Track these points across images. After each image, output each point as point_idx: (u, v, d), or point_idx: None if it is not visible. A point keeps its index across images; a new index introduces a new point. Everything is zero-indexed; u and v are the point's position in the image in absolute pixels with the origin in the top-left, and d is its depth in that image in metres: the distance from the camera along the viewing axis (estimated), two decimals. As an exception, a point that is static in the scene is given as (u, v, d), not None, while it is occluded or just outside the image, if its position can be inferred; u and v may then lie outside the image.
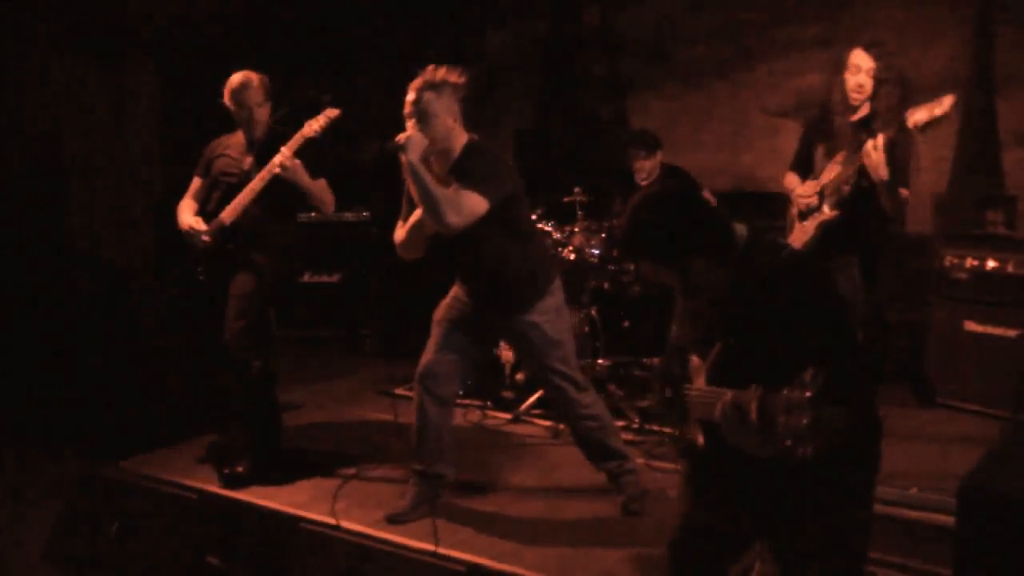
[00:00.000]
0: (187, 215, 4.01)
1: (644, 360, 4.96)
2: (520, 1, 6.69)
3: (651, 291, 4.87)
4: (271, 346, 4.08)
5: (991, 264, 4.56)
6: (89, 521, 3.96)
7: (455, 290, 3.62)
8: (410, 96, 3.26)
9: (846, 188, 3.80)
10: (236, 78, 3.90)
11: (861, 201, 3.79)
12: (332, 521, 3.46)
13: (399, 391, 5.29)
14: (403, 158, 3.15)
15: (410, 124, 3.24)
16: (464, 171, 3.26)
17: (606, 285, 4.93)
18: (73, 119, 5.72)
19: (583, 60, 6.56)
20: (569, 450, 4.11)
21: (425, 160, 3.29)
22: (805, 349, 1.99)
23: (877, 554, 3.06)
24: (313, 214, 6.17)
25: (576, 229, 5.03)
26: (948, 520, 3.01)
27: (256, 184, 3.84)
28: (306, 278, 6.25)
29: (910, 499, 3.41)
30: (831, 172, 3.88)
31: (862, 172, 3.71)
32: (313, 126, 3.83)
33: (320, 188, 3.92)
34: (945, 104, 3.52)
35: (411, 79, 3.30)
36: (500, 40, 6.77)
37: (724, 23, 5.95)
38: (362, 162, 6.85)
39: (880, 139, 3.61)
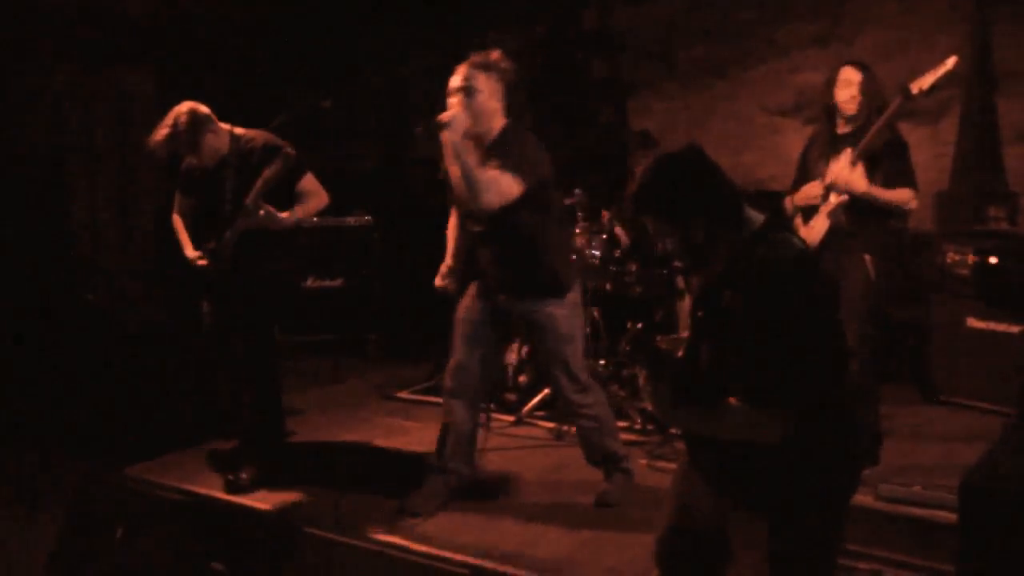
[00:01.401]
0: (188, 248, 3.94)
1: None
2: (520, 3, 6.70)
3: (653, 292, 4.87)
4: (275, 353, 4.07)
5: (992, 260, 4.56)
6: (94, 528, 3.97)
7: (473, 288, 3.65)
8: (460, 73, 3.35)
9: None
10: (159, 129, 3.76)
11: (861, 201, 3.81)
12: (336, 526, 3.47)
13: (403, 395, 5.30)
14: (445, 136, 3.22)
15: (455, 101, 3.31)
16: (502, 152, 3.32)
17: (608, 286, 4.94)
18: (74, 123, 5.74)
19: (583, 61, 6.56)
20: (573, 451, 4.11)
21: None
22: (776, 357, 1.99)
23: (881, 551, 3.06)
24: (315, 219, 6.23)
25: (577, 231, 5.03)
26: (951, 517, 3.01)
27: (228, 238, 3.73)
28: (310, 283, 6.26)
29: (913, 496, 3.40)
30: (836, 168, 3.90)
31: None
32: (273, 171, 3.66)
33: (306, 199, 3.81)
34: (949, 64, 3.60)
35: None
36: (500, 42, 6.76)
37: (723, 23, 5.95)
38: (365, 167, 6.87)
39: (844, 158, 3.72)
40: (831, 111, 3.93)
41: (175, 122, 3.71)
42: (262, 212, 3.66)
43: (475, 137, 3.37)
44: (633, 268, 4.94)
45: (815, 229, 3.99)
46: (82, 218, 5.81)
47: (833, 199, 3.88)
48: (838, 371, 2.08)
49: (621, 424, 4.49)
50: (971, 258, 4.61)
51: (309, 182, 3.83)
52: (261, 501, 3.73)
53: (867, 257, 3.85)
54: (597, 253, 4.96)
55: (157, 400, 4.77)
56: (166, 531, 3.81)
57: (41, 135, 5.60)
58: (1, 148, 5.41)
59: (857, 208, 3.81)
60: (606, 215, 5.13)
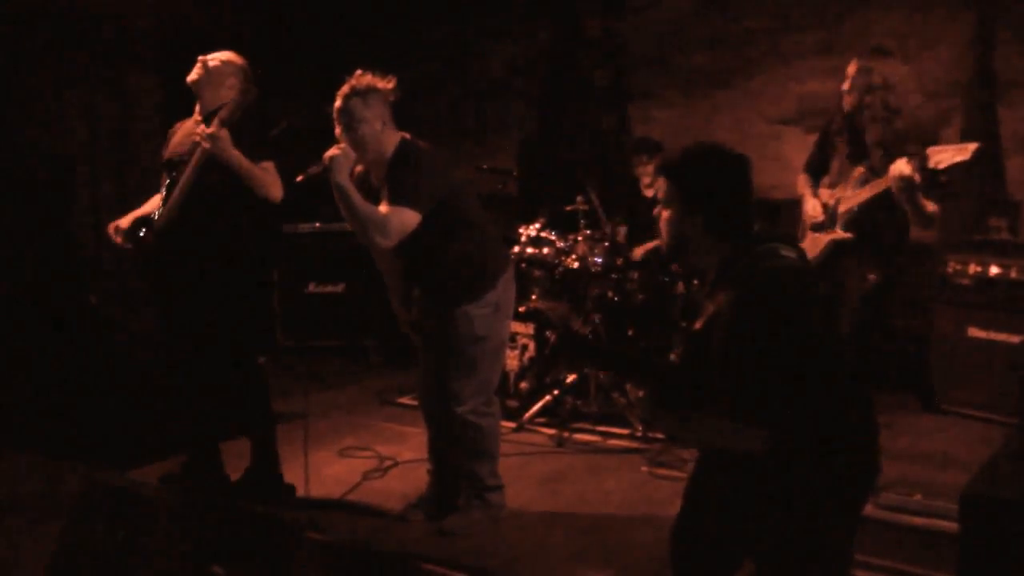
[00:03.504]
0: (127, 217, 3.69)
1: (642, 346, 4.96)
2: (522, 12, 6.72)
3: (655, 299, 4.88)
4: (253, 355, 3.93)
5: (994, 270, 4.57)
6: (95, 531, 3.96)
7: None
8: (337, 103, 3.24)
9: (856, 209, 3.89)
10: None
11: (881, 213, 3.82)
12: (337, 530, 3.47)
13: (403, 401, 5.30)
14: (331, 178, 3.10)
15: (338, 131, 3.23)
16: (394, 182, 3.21)
17: (610, 293, 4.94)
18: (79, 126, 5.75)
19: (585, 70, 6.58)
20: (574, 459, 4.12)
21: (365, 171, 3.31)
22: (758, 369, 1.99)
23: (880, 560, 3.06)
24: (317, 224, 6.25)
25: (579, 238, 5.04)
26: (952, 526, 3.01)
27: (188, 172, 3.48)
28: (310, 288, 6.27)
29: (913, 505, 3.41)
30: (846, 189, 3.93)
31: (882, 196, 3.78)
32: (246, 97, 3.52)
33: (261, 171, 3.51)
34: (968, 150, 3.59)
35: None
36: (503, 50, 6.79)
37: (725, 31, 5.96)
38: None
39: (911, 166, 3.65)
40: (843, 109, 4.00)
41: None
42: (223, 133, 3.41)
43: (371, 164, 3.30)
44: (635, 276, 4.95)
45: (817, 244, 4.02)
46: (85, 220, 5.82)
47: (839, 232, 3.98)
48: (824, 386, 2.03)
49: (621, 431, 4.52)
50: (972, 267, 4.62)
51: (270, 166, 3.58)
52: (262, 504, 3.73)
53: (871, 276, 3.88)
54: (599, 260, 4.97)
55: (159, 403, 4.77)
56: (167, 534, 3.80)
57: (45, 137, 5.61)
58: (5, 150, 5.42)
59: (860, 222, 3.84)
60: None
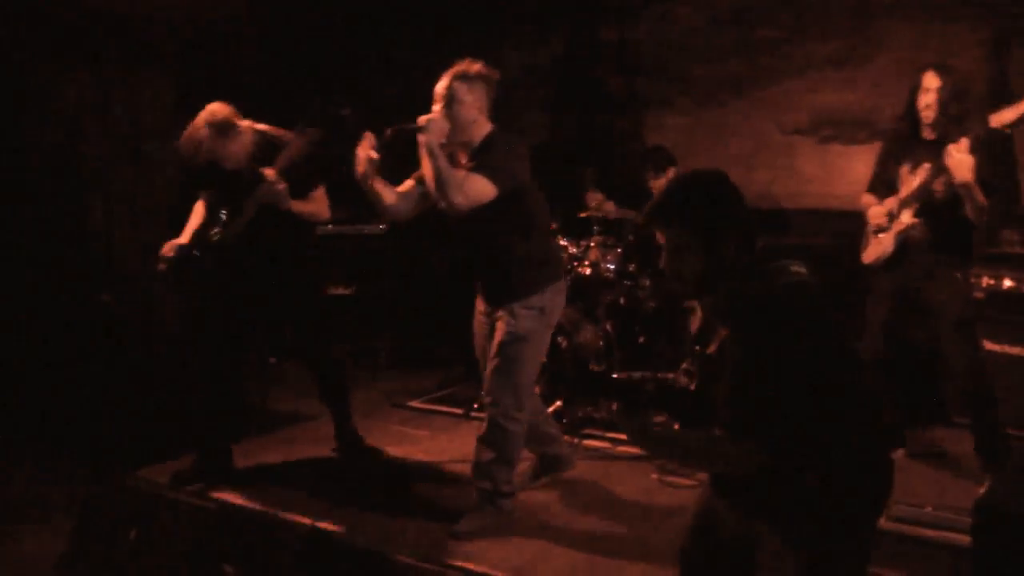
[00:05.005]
0: (182, 236, 3.97)
1: (659, 375, 4.96)
2: (537, 18, 6.74)
3: (667, 306, 4.88)
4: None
5: (1008, 283, 4.56)
6: (105, 530, 3.98)
7: (477, 302, 3.69)
8: (442, 82, 3.38)
9: (932, 197, 3.83)
10: (184, 138, 3.76)
11: (946, 211, 3.80)
12: (347, 531, 3.47)
13: (413, 404, 5.31)
14: (421, 138, 3.23)
15: (436, 108, 3.35)
16: (480, 158, 3.36)
17: (622, 300, 4.95)
18: (90, 127, 5.77)
19: (599, 77, 6.59)
20: (583, 465, 4.12)
21: (450, 152, 3.39)
22: (754, 389, 1.97)
23: (892, 572, 3.05)
24: (329, 227, 6.26)
25: (592, 244, 5.05)
26: (963, 539, 3.00)
27: (245, 216, 3.79)
28: (321, 291, 6.28)
29: (924, 517, 3.40)
30: (912, 184, 3.90)
31: (948, 181, 3.74)
32: (297, 147, 3.73)
33: (312, 202, 3.89)
34: None
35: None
36: (517, 57, 6.81)
37: (740, 41, 5.97)
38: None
39: (964, 142, 3.61)
40: (913, 116, 3.92)
41: (196, 135, 3.72)
42: (281, 187, 3.71)
43: (460, 145, 3.42)
44: (647, 283, 4.95)
45: (883, 244, 4.00)
46: (97, 220, 5.85)
47: (905, 218, 3.90)
48: (832, 407, 2.01)
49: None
50: (985, 280, 4.60)
51: (320, 193, 3.92)
52: (273, 505, 3.74)
53: (957, 274, 3.85)
54: (611, 267, 4.97)
55: (171, 402, 4.79)
56: (178, 534, 3.81)
57: (58, 138, 5.64)
58: (18, 151, 5.45)
59: (939, 220, 3.81)
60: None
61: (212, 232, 3.89)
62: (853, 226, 4.30)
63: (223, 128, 3.74)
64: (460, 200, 3.23)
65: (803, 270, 2.14)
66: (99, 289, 5.69)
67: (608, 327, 4.87)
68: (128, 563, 3.82)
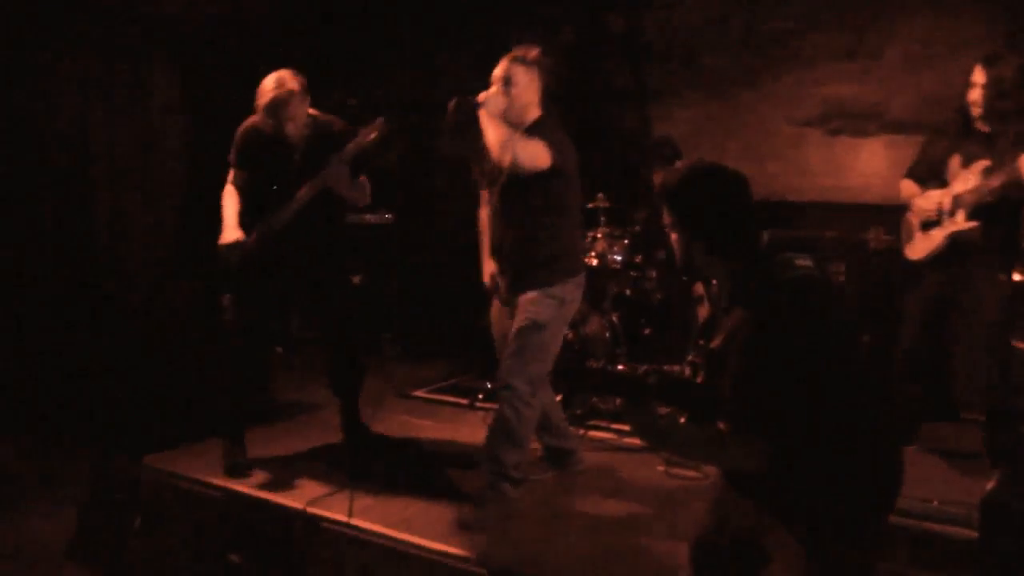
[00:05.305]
0: (229, 230, 3.83)
1: (665, 367, 4.96)
2: (545, 9, 6.71)
3: (673, 298, 4.87)
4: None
5: (1017, 277, 4.53)
6: (112, 517, 3.99)
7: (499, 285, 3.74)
8: (501, 65, 3.51)
9: (989, 199, 3.75)
10: (270, 90, 3.69)
11: (997, 211, 3.77)
12: (352, 520, 3.48)
13: (419, 394, 5.32)
14: (482, 113, 3.37)
15: (495, 89, 3.48)
16: (533, 133, 3.47)
17: (628, 291, 4.94)
18: (98, 117, 5.78)
19: (607, 68, 6.57)
20: (589, 456, 4.12)
21: None
22: (757, 384, 1.97)
23: (898, 567, 3.05)
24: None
25: (599, 235, 5.04)
26: (970, 534, 3.00)
27: (304, 195, 3.77)
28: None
29: (931, 512, 3.39)
30: (968, 182, 3.82)
31: (1011, 185, 3.66)
32: (368, 136, 3.74)
33: (360, 187, 3.93)
34: None
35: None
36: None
37: (750, 32, 5.94)
38: (385, 165, 6.89)
39: None
40: (966, 109, 3.85)
41: (283, 91, 3.68)
42: (347, 171, 3.75)
43: (512, 126, 3.47)
44: (653, 274, 4.94)
45: (933, 240, 3.95)
46: (106, 210, 5.85)
47: (960, 219, 3.82)
48: (837, 403, 2.01)
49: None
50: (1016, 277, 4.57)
51: (364, 179, 3.96)
52: (278, 494, 3.75)
53: (1002, 276, 3.81)
54: (618, 258, 4.96)
55: (178, 390, 4.80)
56: (184, 521, 3.83)
57: (66, 127, 5.64)
58: (26, 141, 5.45)
59: (990, 220, 3.76)
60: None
61: (272, 218, 3.82)
62: (861, 218, 4.28)
63: (307, 89, 3.78)
64: (524, 159, 3.34)
65: (809, 263, 2.14)
66: (107, 276, 5.70)
67: (614, 318, 4.86)
68: (134, 552, 3.84)
